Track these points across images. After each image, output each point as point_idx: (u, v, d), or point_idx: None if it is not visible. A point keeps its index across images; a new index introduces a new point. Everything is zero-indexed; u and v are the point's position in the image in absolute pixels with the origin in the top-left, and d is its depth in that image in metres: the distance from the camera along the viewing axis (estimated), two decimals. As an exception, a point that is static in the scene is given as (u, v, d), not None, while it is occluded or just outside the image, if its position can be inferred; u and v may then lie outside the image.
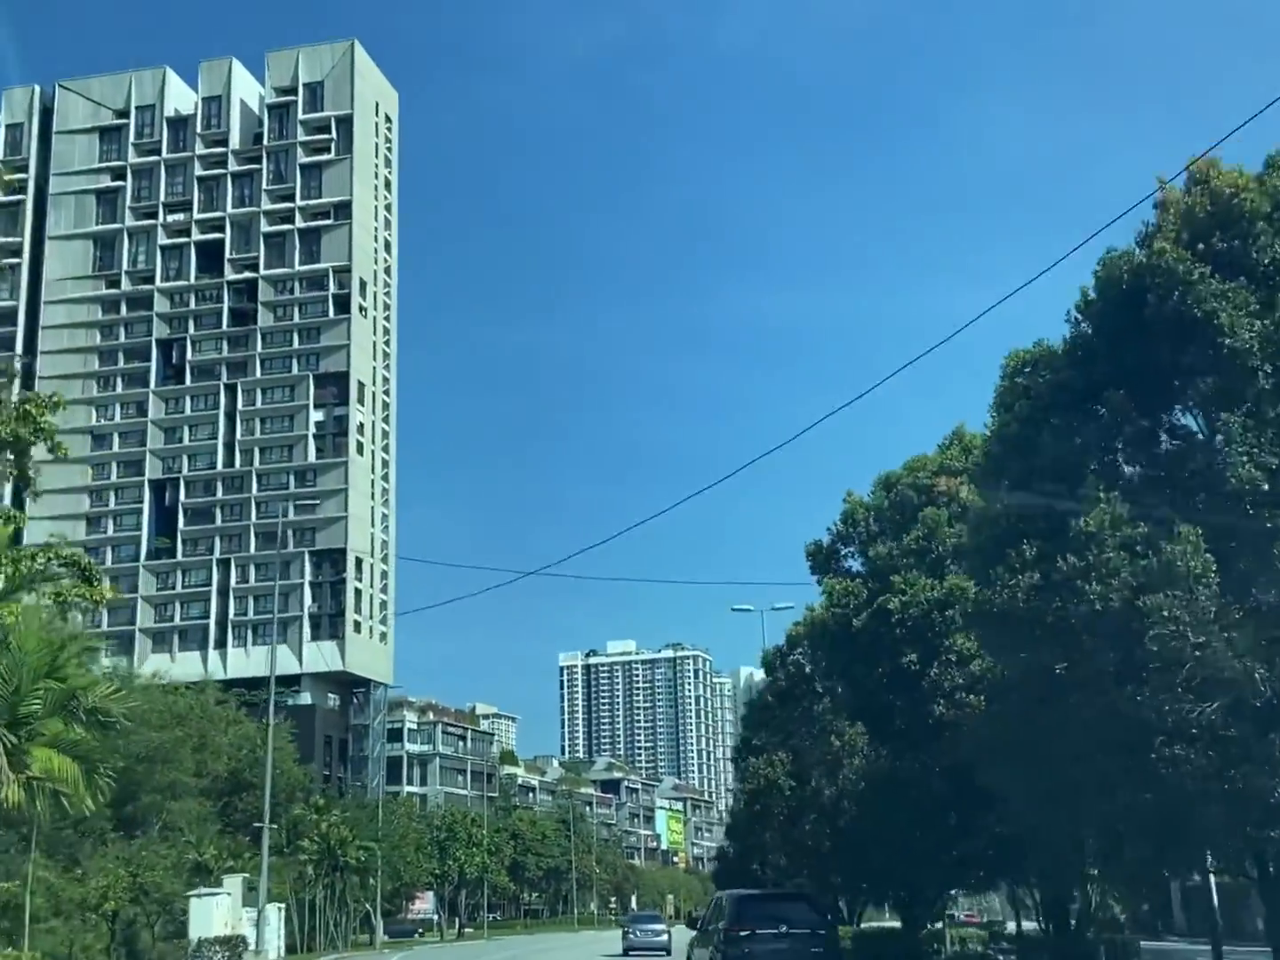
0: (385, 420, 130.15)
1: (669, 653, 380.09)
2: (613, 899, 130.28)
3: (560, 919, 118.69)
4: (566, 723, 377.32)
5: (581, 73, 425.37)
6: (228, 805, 53.24)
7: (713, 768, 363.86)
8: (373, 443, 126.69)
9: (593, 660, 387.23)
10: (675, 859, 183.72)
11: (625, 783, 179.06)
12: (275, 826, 45.46)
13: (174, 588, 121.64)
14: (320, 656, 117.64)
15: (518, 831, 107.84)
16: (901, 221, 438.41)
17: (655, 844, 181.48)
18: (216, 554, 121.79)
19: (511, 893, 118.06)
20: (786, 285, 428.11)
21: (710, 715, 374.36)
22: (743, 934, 22.04)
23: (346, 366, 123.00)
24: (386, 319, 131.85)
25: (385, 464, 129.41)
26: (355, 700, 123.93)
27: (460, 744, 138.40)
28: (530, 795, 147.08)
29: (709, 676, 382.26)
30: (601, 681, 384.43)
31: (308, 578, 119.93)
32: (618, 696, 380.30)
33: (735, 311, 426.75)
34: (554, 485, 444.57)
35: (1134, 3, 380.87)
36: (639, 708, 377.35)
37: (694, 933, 28.91)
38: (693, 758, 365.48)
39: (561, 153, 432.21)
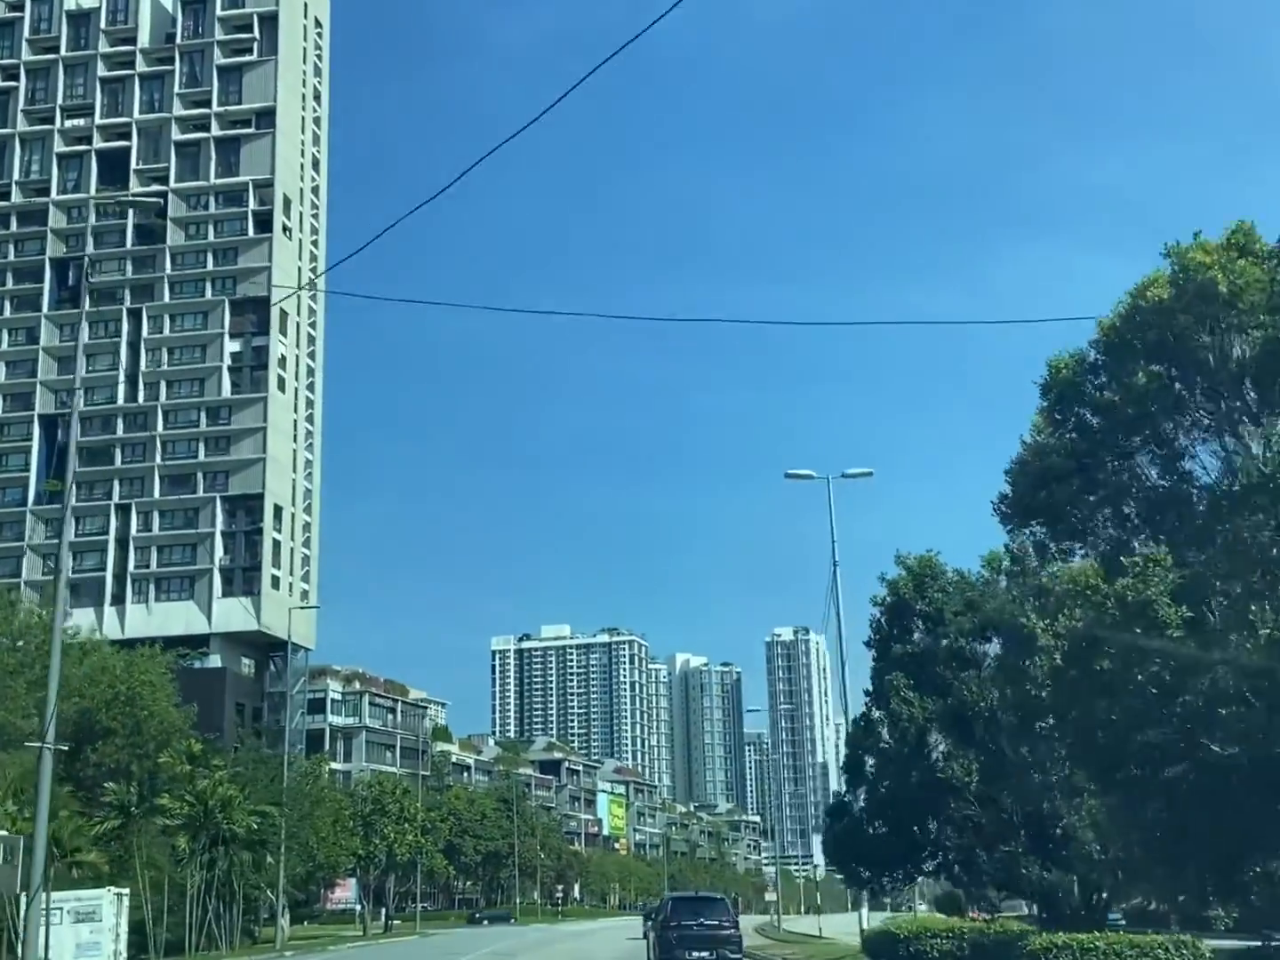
0: (311, 356, 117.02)
1: (604, 637, 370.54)
2: (559, 887, 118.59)
3: (497, 910, 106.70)
4: (498, 708, 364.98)
5: (520, 59, 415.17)
6: (75, 757, 40.47)
7: (648, 755, 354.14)
8: (296, 379, 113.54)
9: (526, 644, 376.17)
10: (616, 845, 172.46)
11: (566, 764, 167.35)
12: (67, 747, 29.27)
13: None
14: (232, 615, 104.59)
15: (454, 810, 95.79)
16: (843, 219, 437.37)
17: (596, 829, 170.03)
18: (115, 499, 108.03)
19: (444, 880, 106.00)
20: (729, 280, 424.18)
21: (646, 702, 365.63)
22: (672, 924, 32.16)
23: (267, 292, 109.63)
24: (314, 244, 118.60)
25: (310, 404, 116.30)
26: (273, 666, 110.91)
27: (389, 717, 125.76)
28: (465, 775, 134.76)
29: (645, 663, 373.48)
30: (535, 667, 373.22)
31: (219, 526, 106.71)
32: (551, 682, 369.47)
33: (675, 304, 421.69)
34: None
35: (1065, 3, 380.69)
36: (573, 694, 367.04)
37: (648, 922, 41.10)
38: (627, 745, 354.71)
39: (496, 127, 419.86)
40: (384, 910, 67.61)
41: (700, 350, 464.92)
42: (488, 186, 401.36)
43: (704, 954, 31.06)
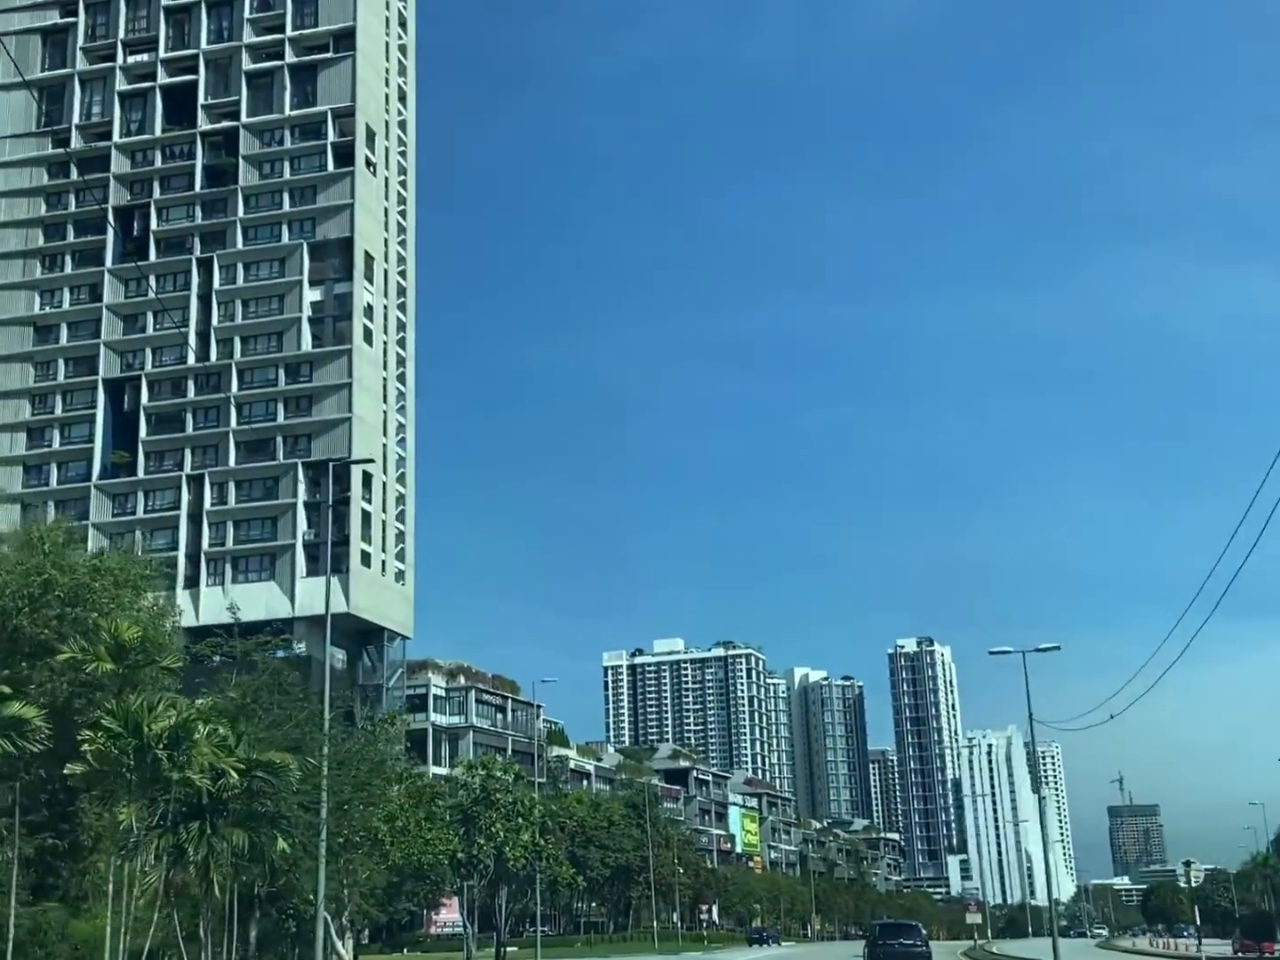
0: (401, 309, 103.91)
1: (719, 651, 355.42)
2: (703, 908, 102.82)
3: (632, 936, 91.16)
4: (611, 727, 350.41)
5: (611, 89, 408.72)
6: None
7: (768, 772, 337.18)
8: (384, 333, 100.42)
9: (639, 660, 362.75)
10: (750, 863, 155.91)
11: (694, 773, 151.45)
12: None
13: (134, 513, 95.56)
14: (318, 596, 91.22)
15: (576, 815, 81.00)
16: (925, 232, 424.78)
17: (728, 845, 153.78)
18: (187, 469, 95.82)
19: (566, 899, 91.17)
20: (823, 299, 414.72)
21: (764, 717, 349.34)
22: (879, 942, 44.80)
23: (350, 232, 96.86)
24: (402, 184, 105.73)
25: (401, 361, 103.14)
26: (366, 656, 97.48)
27: (499, 717, 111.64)
28: (584, 783, 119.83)
29: (762, 677, 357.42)
30: (649, 683, 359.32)
31: (302, 497, 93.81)
32: (666, 698, 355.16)
33: (770, 325, 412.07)
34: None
35: (1155, 13, 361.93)
36: (689, 710, 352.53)
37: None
38: (747, 761, 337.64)
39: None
40: (495, 936, 52.30)
41: (796, 369, 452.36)
42: (579, 209, 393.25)
43: None
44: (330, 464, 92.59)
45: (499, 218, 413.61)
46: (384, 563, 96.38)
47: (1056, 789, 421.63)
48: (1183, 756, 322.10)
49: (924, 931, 49.45)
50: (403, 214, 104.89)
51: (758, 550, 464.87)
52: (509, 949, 63.93)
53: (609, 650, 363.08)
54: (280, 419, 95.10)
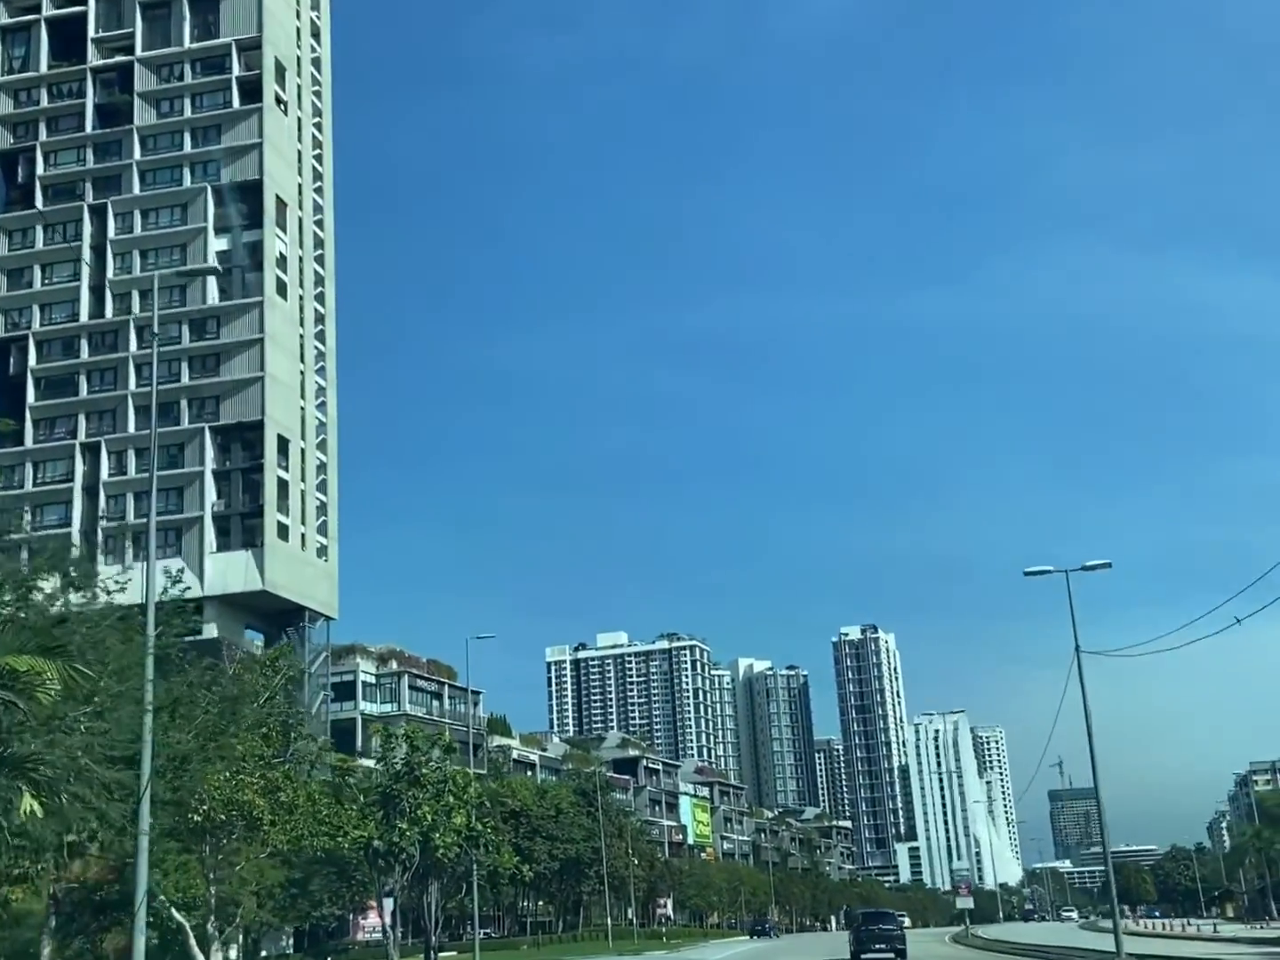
0: (319, 261, 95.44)
1: (663, 644, 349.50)
2: (662, 902, 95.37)
3: (584, 935, 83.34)
4: (555, 722, 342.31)
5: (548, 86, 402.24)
6: None
7: (715, 764, 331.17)
8: (300, 286, 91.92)
9: (582, 654, 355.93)
10: (703, 854, 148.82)
11: (644, 762, 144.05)
12: None
13: (21, 486, 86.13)
14: (229, 573, 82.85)
15: (519, 808, 73.31)
16: (859, 228, 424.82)
17: (680, 837, 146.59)
18: (81, 437, 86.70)
19: (511, 898, 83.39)
20: (759, 295, 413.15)
21: (710, 709, 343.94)
22: (863, 927, 49.45)
23: (259, 174, 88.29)
24: (317, 126, 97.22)
25: (321, 319, 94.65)
26: (285, 639, 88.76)
27: (435, 704, 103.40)
28: (529, 774, 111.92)
29: (707, 668, 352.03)
30: (593, 677, 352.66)
31: (210, 465, 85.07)
32: (610, 692, 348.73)
33: (709, 322, 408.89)
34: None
35: (1080, 7, 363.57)
36: (634, 703, 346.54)
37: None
38: (693, 753, 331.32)
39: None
40: (426, 941, 43.89)
41: (735, 366, 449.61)
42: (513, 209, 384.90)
43: (882, 945, 47.34)
44: (241, 427, 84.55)
45: (429, 216, 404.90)
46: (304, 536, 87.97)
47: (1001, 774, 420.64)
48: (1121, 739, 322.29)
49: (899, 918, 57.62)
50: (318, 159, 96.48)
51: (702, 544, 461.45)
52: (445, 954, 56.12)
53: (552, 645, 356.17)
54: (185, 380, 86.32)
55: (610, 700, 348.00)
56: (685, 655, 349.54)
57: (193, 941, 25.95)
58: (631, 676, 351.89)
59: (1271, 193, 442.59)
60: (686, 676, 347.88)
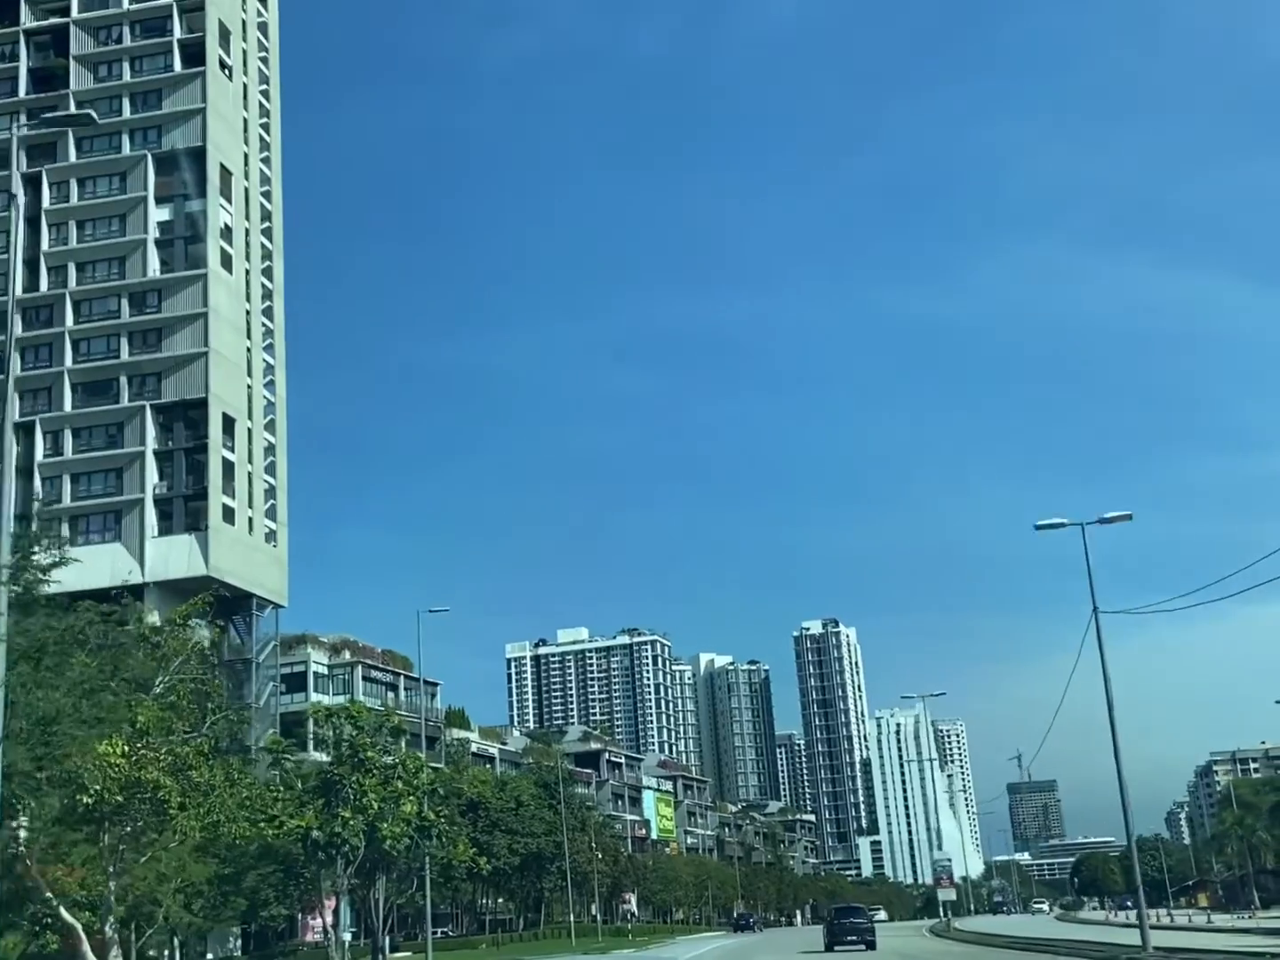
0: (266, 235, 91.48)
1: (624, 639, 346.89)
2: (628, 898, 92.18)
3: (545, 933, 80.00)
4: (516, 719, 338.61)
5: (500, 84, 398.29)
6: None
7: (677, 759, 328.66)
8: (247, 260, 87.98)
9: (543, 650, 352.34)
10: (667, 849, 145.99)
11: (607, 755, 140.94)
12: None
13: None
14: (171, 558, 78.86)
15: (478, 800, 69.99)
16: (815, 226, 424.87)
17: (644, 831, 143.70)
18: (15, 416, 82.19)
19: (468, 895, 80.00)
20: (716, 292, 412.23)
21: (671, 704, 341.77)
22: (835, 921, 53.36)
23: (202, 141, 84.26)
24: (264, 94, 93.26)
25: (269, 294, 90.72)
26: (233, 628, 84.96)
27: (390, 695, 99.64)
28: (489, 768, 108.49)
29: (668, 663, 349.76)
30: (553, 673, 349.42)
31: (151, 444, 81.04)
32: (571, 687, 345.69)
33: (667, 319, 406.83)
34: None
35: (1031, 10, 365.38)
36: (594, 699, 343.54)
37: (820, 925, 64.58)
38: (654, 749, 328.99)
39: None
40: (374, 942, 39.92)
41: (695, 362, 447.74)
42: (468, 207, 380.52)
43: (853, 937, 50.24)
44: (184, 405, 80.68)
45: (377, 213, 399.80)
46: (251, 520, 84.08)
47: (962, 767, 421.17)
48: (1077, 732, 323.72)
49: (871, 912, 65.56)
50: (266, 128, 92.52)
51: (663, 541, 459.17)
52: (399, 954, 52.72)
53: (512, 642, 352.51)
54: (124, 355, 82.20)
55: (571, 696, 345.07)
56: (646, 650, 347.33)
57: (86, 947, 22.36)
58: (592, 672, 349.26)
59: (1224, 191, 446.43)
60: (648, 671, 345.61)
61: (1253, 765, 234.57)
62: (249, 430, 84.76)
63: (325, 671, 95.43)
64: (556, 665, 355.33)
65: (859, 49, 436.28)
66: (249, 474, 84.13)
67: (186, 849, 26.03)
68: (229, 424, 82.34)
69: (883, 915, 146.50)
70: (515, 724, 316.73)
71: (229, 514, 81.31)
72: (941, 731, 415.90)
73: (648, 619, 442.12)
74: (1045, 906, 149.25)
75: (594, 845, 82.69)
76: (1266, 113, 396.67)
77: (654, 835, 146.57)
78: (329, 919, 39.30)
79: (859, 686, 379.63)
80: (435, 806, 39.44)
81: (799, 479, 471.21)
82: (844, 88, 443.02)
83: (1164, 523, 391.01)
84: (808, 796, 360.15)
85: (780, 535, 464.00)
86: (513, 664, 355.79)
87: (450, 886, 63.85)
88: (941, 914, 74.48)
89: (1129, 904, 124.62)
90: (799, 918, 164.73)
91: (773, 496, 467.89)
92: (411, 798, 35.72)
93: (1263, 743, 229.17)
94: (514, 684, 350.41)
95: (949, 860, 78.66)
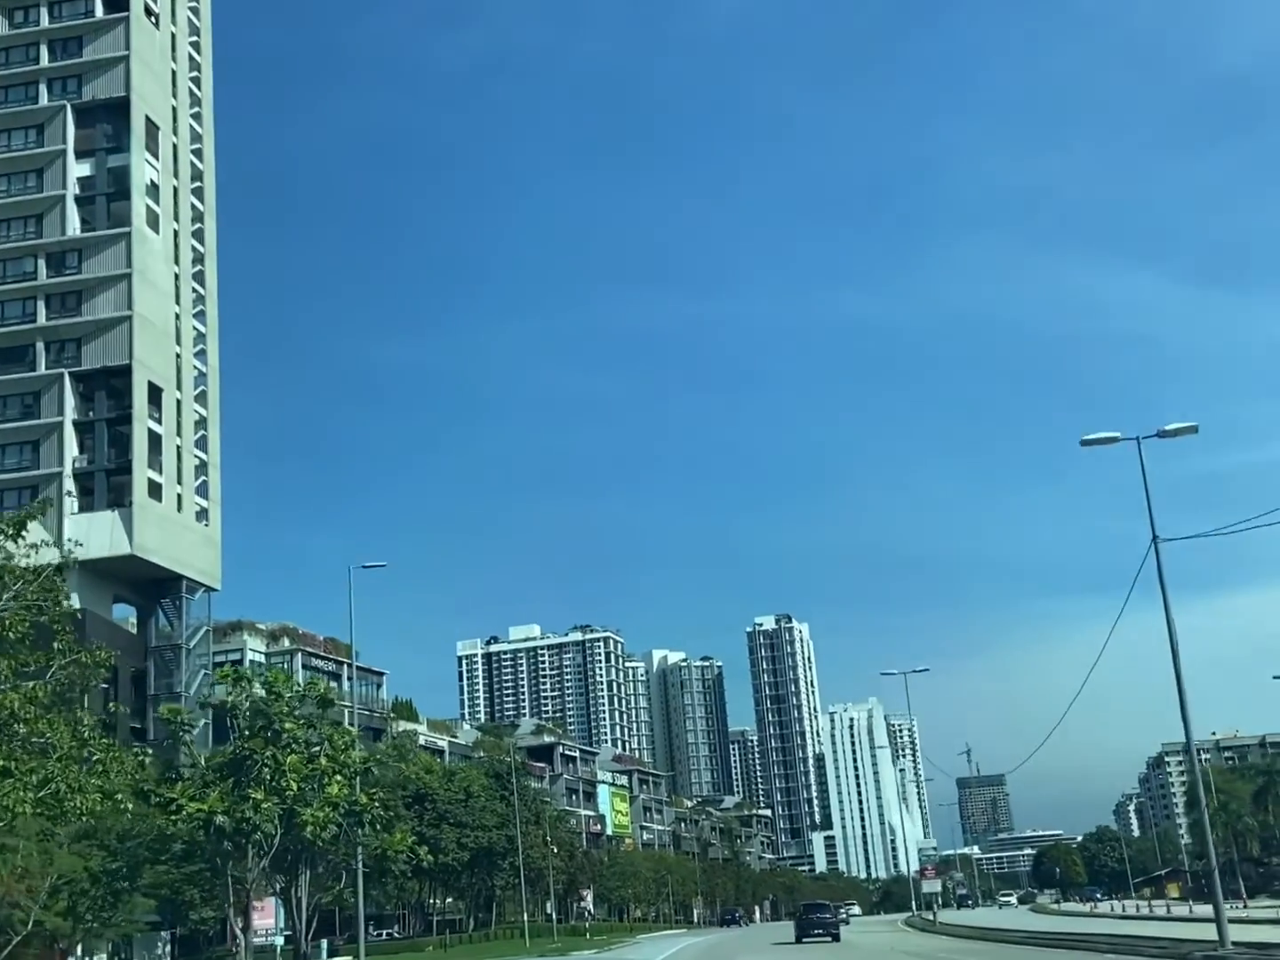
0: (197, 195, 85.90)
1: (577, 635, 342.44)
2: (582, 896, 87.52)
3: (497, 933, 75.20)
4: (468, 717, 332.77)
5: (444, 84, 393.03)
6: None
7: (630, 757, 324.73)
8: (175, 220, 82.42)
9: (494, 648, 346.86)
10: (623, 845, 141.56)
11: (560, 749, 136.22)
12: None
13: None
14: (94, 536, 73.16)
15: (425, 791, 65.10)
16: (763, 226, 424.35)
17: (599, 827, 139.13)
18: (-78, 385, 76.35)
19: (415, 894, 75.09)
20: (667, 293, 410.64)
21: (624, 701, 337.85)
22: (804, 917, 58.83)
23: (126, 91, 78.64)
24: (195, 46, 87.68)
25: (200, 259, 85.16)
26: (161, 612, 79.55)
27: (334, 685, 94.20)
28: (438, 760, 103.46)
29: (621, 660, 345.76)
30: (505, 670, 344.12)
31: (70, 415, 75.34)
32: (523, 685, 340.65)
33: (618, 320, 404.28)
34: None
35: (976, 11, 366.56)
36: (547, 696, 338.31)
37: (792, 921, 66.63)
38: (607, 746, 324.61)
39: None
40: (296, 948, 34.47)
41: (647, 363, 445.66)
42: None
43: (819, 930, 55.99)
44: (106, 373, 75.19)
45: (324, 216, 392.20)
46: (180, 496, 78.59)
47: (915, 762, 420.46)
48: (1024, 727, 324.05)
49: (838, 908, 73.38)
50: (196, 82, 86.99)
51: (614, 539, 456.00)
52: (336, 959, 47.85)
53: (463, 640, 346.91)
54: (41, 320, 76.52)
55: (523, 694, 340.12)
56: (599, 647, 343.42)
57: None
58: (545, 669, 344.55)
59: (1165, 195, 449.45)
60: (600, 668, 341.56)
61: (1203, 756, 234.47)
62: (178, 401, 79.27)
63: (263, 660, 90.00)
64: (508, 663, 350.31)
65: (803, 48, 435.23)
66: (178, 447, 78.66)
67: (31, 833, 20.82)
68: (155, 393, 76.84)
69: (857, 910, 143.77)
70: (467, 720, 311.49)
71: (155, 489, 75.86)
72: (894, 726, 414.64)
73: (600, 616, 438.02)
74: (1013, 899, 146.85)
75: (549, 840, 78.02)
76: (1202, 119, 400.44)
77: (609, 831, 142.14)
78: (231, 917, 34.24)
79: (811, 682, 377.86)
80: (369, 789, 34.47)
81: (751, 476, 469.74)
82: (790, 87, 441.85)
83: (1105, 519, 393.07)
84: (761, 792, 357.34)
85: (733, 532, 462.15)
86: (464, 662, 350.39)
87: (390, 883, 58.97)
88: (917, 907, 70.83)
89: (1098, 895, 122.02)
90: (758, 914, 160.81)
91: (726, 493, 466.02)
92: (339, 777, 30.76)
93: (1213, 734, 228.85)
94: (465, 682, 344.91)
95: (935, 849, 74.89)
